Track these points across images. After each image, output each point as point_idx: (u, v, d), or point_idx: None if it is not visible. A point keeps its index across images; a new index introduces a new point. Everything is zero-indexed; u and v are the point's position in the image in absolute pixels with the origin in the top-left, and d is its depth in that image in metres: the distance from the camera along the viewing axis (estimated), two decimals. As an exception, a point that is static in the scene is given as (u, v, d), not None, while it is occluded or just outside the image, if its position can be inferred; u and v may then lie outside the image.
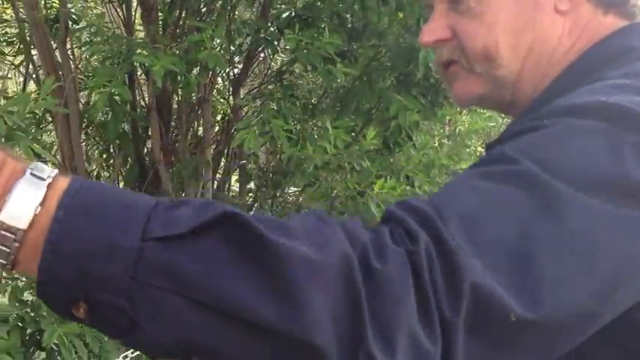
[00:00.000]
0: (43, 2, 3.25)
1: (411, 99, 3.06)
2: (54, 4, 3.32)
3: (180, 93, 3.35)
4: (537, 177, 0.61)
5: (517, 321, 0.56)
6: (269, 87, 3.47)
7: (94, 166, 3.81)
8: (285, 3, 3.47)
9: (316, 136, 2.82)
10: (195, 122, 3.58)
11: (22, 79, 3.96)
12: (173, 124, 3.49)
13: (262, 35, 3.18)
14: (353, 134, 3.13)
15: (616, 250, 0.61)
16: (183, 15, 3.26)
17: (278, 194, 3.69)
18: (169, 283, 0.50)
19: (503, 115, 2.84)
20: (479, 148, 5.98)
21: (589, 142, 0.64)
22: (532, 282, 0.57)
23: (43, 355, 2.19)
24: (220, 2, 3.18)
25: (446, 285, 0.55)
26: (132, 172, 3.46)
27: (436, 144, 4.73)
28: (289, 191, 3.92)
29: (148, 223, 0.51)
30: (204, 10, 3.28)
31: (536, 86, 0.83)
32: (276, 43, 3.20)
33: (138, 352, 2.22)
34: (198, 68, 2.85)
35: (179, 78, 2.68)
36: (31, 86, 3.71)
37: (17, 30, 3.42)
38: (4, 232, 0.50)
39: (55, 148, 3.40)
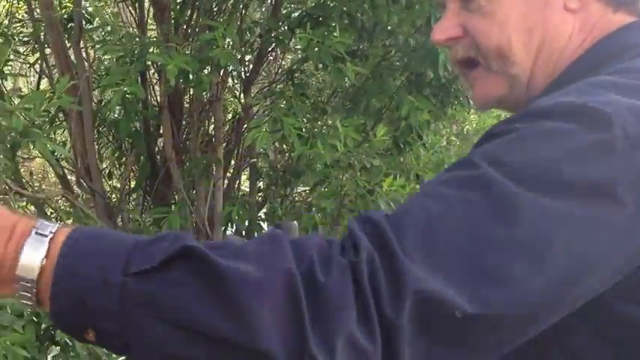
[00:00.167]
0: (57, 2, 3.28)
1: (422, 99, 3.06)
2: (67, 5, 3.35)
3: (191, 92, 3.37)
4: (493, 180, 0.64)
5: (463, 317, 0.60)
6: (279, 86, 3.48)
7: (106, 164, 3.84)
8: (296, 2, 3.49)
9: (326, 135, 2.83)
10: (207, 121, 3.59)
11: (33, 78, 3.99)
12: (184, 122, 3.50)
13: (273, 34, 3.19)
14: (363, 134, 3.14)
15: (571, 248, 0.62)
16: (195, 14, 3.28)
17: (288, 193, 3.71)
18: (146, 308, 0.60)
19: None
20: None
21: (553, 143, 0.65)
22: (478, 280, 0.60)
23: (57, 349, 2.22)
24: (232, 1, 3.20)
25: (389, 290, 0.60)
26: (144, 170, 3.48)
27: (444, 143, 4.72)
28: (299, 190, 3.93)
29: (127, 261, 0.61)
30: (215, 9, 3.30)
31: (547, 84, 0.84)
32: (286, 42, 3.21)
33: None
34: (209, 67, 2.87)
35: (191, 77, 2.70)
36: (44, 84, 3.74)
37: (32, 29, 3.46)
38: (23, 283, 0.63)
39: (68, 146, 3.43)
